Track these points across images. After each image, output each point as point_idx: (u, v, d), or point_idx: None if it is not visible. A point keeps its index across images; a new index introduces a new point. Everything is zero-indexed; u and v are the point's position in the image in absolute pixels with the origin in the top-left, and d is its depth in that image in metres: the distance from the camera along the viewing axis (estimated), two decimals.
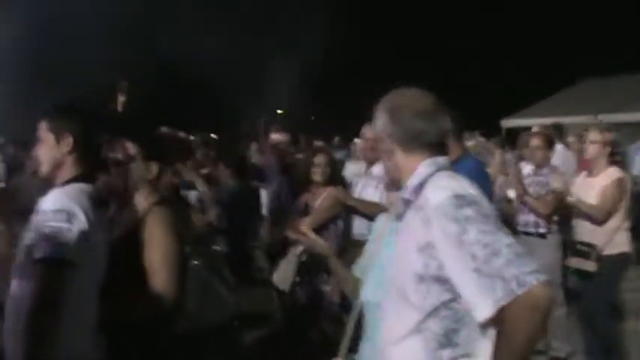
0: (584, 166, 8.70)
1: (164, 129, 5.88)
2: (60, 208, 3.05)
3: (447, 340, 2.40)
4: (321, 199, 5.90)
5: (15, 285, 3.21)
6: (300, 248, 5.71)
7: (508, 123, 20.46)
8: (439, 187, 2.44)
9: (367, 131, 6.29)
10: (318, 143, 8.20)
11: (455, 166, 2.70)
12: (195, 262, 3.76)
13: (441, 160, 2.58)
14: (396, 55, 33.45)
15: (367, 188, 6.20)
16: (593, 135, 6.32)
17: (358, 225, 6.13)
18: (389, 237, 3.11)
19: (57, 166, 3.35)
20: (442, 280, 2.37)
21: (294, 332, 6.15)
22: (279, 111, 38.38)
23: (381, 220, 3.40)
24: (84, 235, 3.06)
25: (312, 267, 5.70)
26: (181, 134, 6.27)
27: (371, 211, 5.97)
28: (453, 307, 2.39)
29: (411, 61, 32.34)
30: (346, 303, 5.83)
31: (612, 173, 6.21)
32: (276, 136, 8.84)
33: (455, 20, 34.43)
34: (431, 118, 2.57)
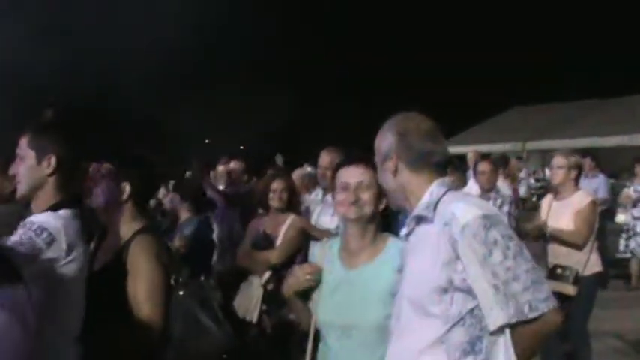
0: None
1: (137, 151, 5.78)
2: (46, 227, 2.89)
3: (471, 347, 2.50)
4: (286, 228, 5.87)
5: None
6: (265, 276, 5.70)
7: None
8: (465, 205, 2.56)
9: (324, 159, 6.30)
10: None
11: None
12: (181, 293, 3.67)
13: (448, 180, 2.75)
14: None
15: (323, 217, 6.19)
16: (558, 160, 6.50)
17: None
18: (329, 264, 3.28)
19: (36, 188, 3.14)
20: (467, 290, 2.49)
21: None
22: (206, 140, 38.30)
23: (317, 247, 3.46)
24: (54, 264, 2.89)
25: (278, 295, 5.68)
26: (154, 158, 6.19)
27: None
28: (477, 315, 2.51)
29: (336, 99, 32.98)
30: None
31: (584, 197, 6.42)
32: (231, 164, 8.81)
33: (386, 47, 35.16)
34: (436, 140, 2.74)
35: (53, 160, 3.11)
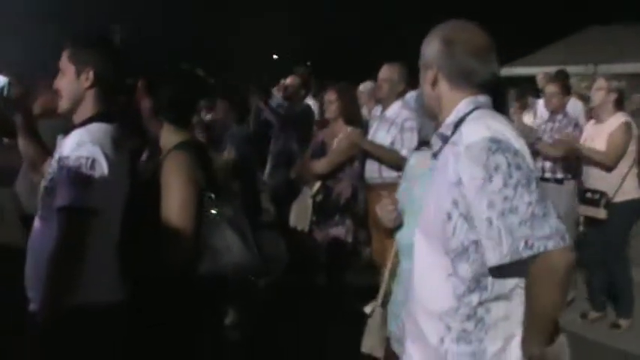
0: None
1: (184, 65, 5.73)
2: (82, 154, 2.95)
3: (476, 283, 2.33)
4: (339, 139, 5.81)
5: (36, 227, 3.16)
6: (315, 188, 5.68)
7: (509, 72, 20.26)
8: (477, 125, 2.36)
9: (384, 71, 6.18)
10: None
11: None
12: (213, 212, 3.67)
13: (482, 98, 2.50)
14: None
15: (379, 131, 6.11)
16: (599, 82, 6.38)
17: (369, 168, 6.05)
18: (421, 178, 3.08)
19: (77, 101, 3.18)
20: (470, 218, 2.30)
21: (308, 276, 6.18)
22: (275, 56, 38.18)
23: (415, 157, 3.35)
24: (106, 181, 2.97)
25: (326, 207, 5.68)
26: (200, 72, 6.12)
27: (385, 158, 5.92)
28: (480, 250, 2.31)
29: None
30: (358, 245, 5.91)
31: (618, 118, 6.23)
32: (287, 79, 8.67)
33: None
34: (485, 59, 2.48)
35: (91, 74, 3.15)
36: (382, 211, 3.17)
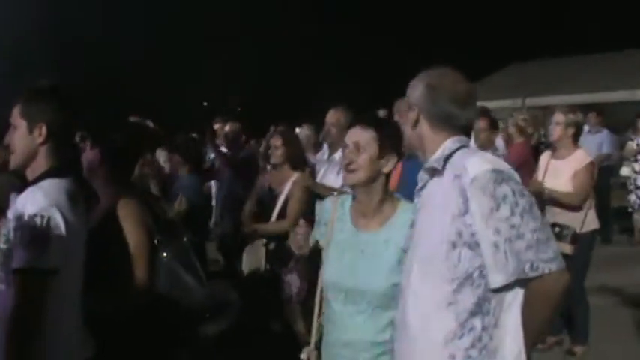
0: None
1: (133, 118, 5.70)
2: (37, 213, 2.84)
3: (478, 308, 2.46)
4: (290, 186, 5.80)
5: None
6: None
7: None
8: (477, 159, 2.53)
9: (331, 115, 6.21)
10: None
11: None
12: (164, 254, 3.70)
13: (464, 138, 2.70)
14: (317, 45, 33.67)
15: (329, 175, 6.12)
16: (557, 117, 6.37)
17: None
18: (340, 222, 3.24)
19: (30, 157, 3.07)
20: (475, 245, 2.44)
21: (259, 322, 6.11)
22: (204, 103, 38.22)
23: (329, 202, 3.41)
24: (63, 239, 2.87)
25: (279, 254, 5.65)
26: (150, 123, 6.09)
27: None
28: (485, 274, 2.45)
29: (332, 51, 32.78)
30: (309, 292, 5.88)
31: (582, 158, 6.29)
32: (227, 127, 8.65)
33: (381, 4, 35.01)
34: (464, 105, 2.69)
35: (44, 129, 3.04)
36: (295, 241, 3.36)
